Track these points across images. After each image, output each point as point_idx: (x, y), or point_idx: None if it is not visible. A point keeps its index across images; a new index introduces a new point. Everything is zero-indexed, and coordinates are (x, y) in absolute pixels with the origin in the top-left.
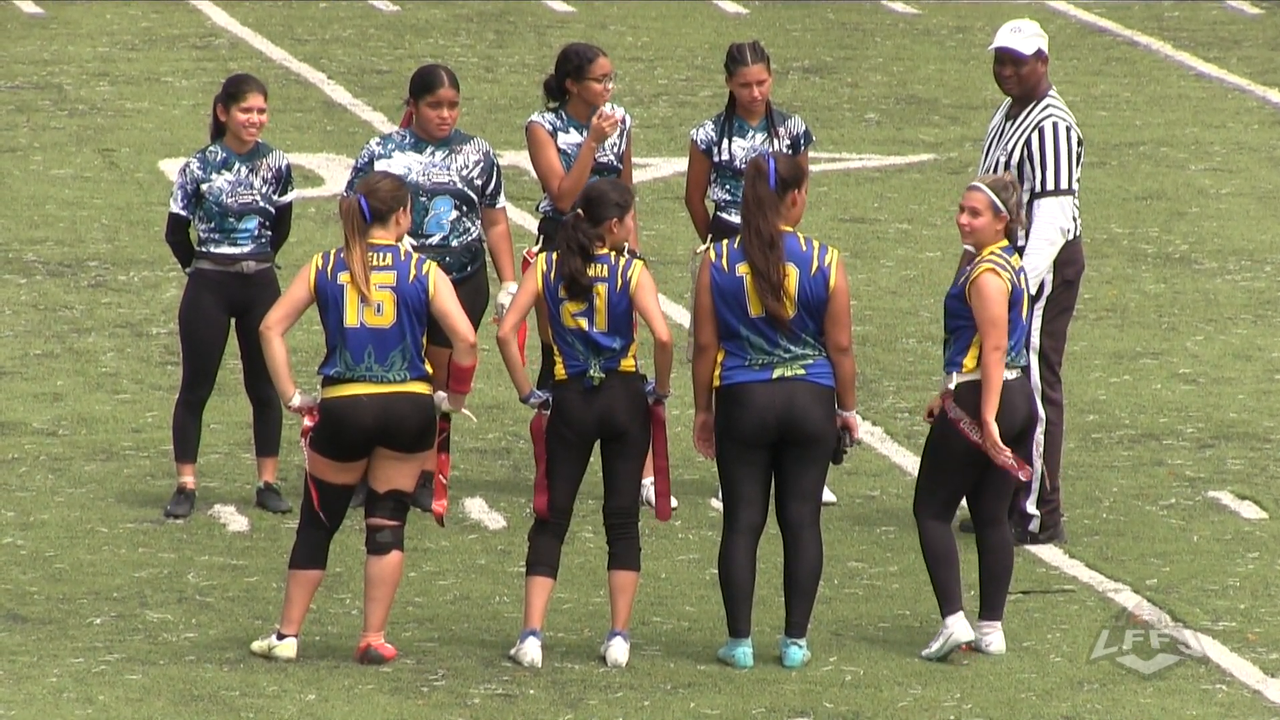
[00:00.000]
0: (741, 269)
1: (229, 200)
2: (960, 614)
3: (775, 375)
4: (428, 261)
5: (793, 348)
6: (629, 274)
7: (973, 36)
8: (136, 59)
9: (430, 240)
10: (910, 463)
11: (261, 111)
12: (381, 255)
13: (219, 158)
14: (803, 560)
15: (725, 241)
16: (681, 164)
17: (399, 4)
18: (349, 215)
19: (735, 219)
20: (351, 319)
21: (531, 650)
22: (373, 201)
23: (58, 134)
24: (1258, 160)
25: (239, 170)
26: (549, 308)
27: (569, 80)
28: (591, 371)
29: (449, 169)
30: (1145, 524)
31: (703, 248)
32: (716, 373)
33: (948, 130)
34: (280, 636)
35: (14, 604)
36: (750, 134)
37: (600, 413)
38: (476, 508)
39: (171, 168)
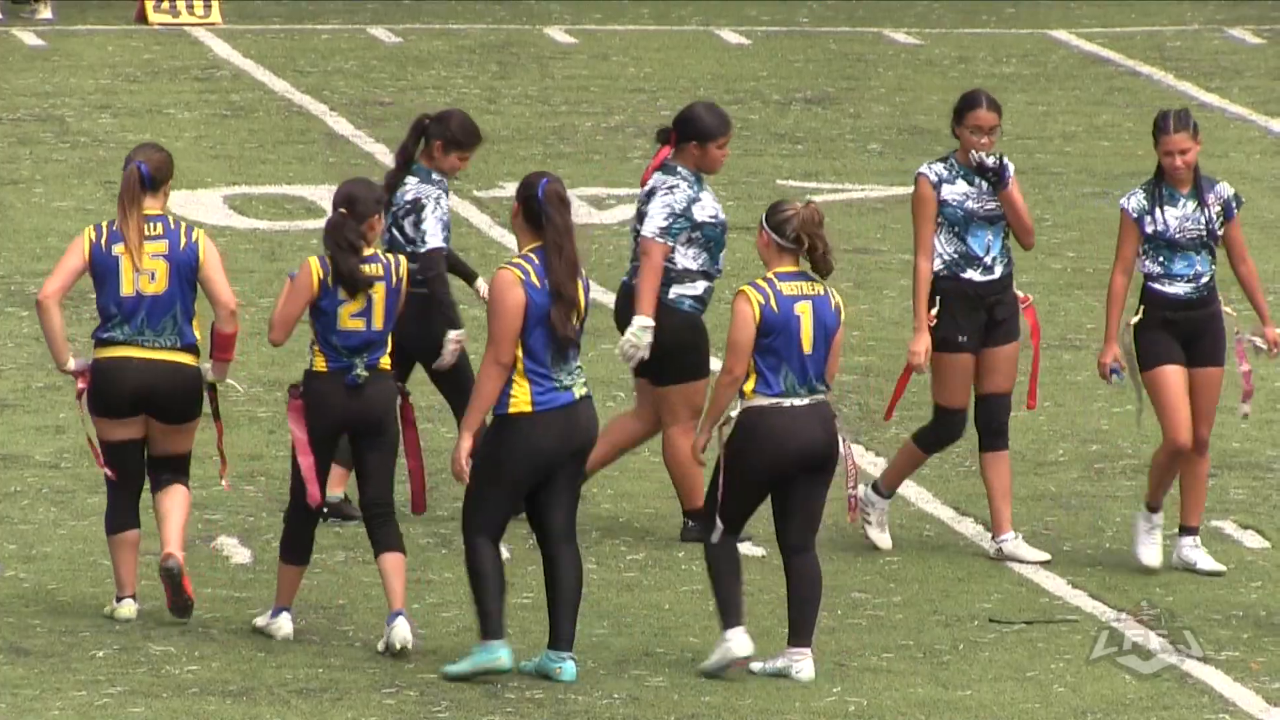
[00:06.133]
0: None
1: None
2: (740, 629)
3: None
4: (197, 229)
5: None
6: (400, 270)
7: (975, 67)
8: (139, 91)
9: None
10: (913, 493)
11: None
12: (153, 225)
13: None
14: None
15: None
16: None
17: (401, 35)
18: (129, 184)
19: (1169, 290)
20: (128, 288)
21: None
22: (150, 169)
23: (60, 166)
24: (1260, 190)
25: None
26: (323, 310)
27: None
28: (358, 370)
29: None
30: None
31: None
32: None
33: None
34: (119, 599)
35: (17, 637)
36: (1181, 202)
37: (361, 409)
38: None
39: (173, 200)
